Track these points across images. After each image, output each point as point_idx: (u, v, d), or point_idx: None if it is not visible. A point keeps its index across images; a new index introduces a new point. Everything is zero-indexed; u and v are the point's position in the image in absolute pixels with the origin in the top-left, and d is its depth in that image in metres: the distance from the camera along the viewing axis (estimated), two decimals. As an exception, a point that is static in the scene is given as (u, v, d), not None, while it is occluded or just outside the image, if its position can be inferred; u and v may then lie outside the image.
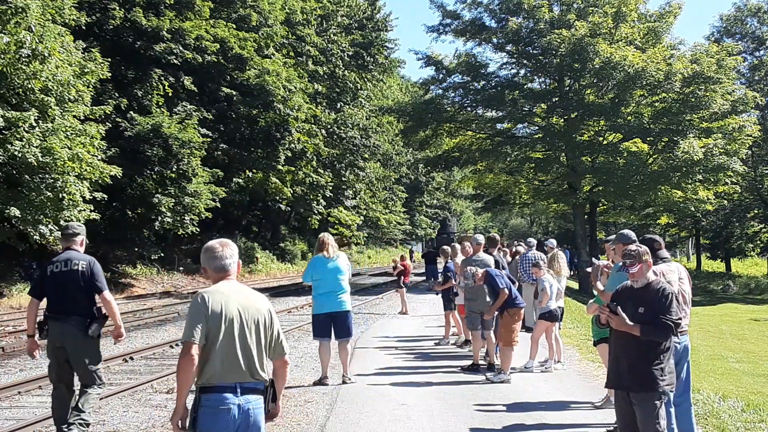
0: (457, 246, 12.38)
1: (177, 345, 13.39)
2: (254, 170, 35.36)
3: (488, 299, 9.66)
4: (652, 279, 5.07)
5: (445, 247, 13.91)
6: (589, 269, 7.55)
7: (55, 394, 6.25)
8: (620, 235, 6.69)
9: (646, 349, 4.91)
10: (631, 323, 4.91)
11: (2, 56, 17.23)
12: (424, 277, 29.96)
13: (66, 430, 6.12)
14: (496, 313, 9.69)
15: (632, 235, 6.54)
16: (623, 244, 6.28)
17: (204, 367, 3.62)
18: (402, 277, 19.54)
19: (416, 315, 18.50)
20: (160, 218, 26.45)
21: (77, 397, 6.25)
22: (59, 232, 19.44)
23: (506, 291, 9.34)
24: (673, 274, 5.84)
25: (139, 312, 20.15)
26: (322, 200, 42.63)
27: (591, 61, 28.02)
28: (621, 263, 5.41)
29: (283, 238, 47.37)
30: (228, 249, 3.91)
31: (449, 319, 12.93)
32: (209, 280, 3.95)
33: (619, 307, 4.99)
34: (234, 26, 31.87)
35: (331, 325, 8.94)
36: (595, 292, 7.63)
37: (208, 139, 29.50)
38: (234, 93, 32.14)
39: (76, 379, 6.36)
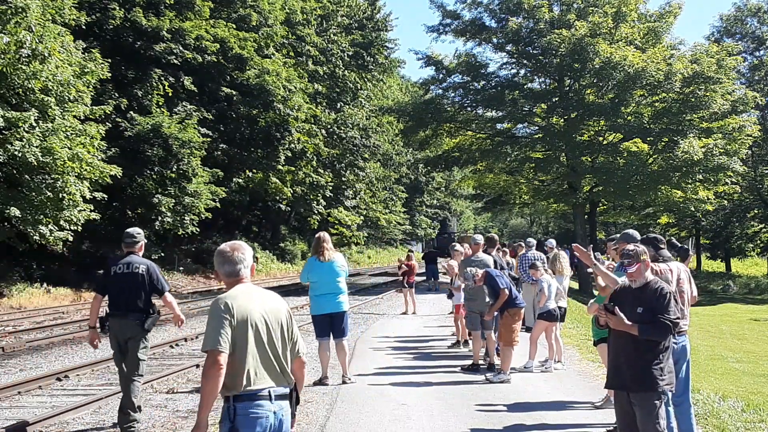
0: (458, 246, 12.35)
1: (177, 345, 13.41)
2: (254, 170, 35.36)
3: (488, 300, 9.66)
4: (651, 279, 5.07)
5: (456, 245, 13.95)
6: (590, 270, 7.54)
7: (121, 375, 7.06)
8: (624, 234, 6.68)
9: (644, 349, 4.91)
10: (630, 323, 4.91)
11: (2, 56, 17.23)
12: (424, 277, 29.92)
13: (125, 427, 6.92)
14: (496, 313, 9.69)
15: (636, 234, 6.53)
16: (627, 243, 6.27)
17: (235, 376, 3.51)
18: (407, 277, 19.54)
19: (416, 315, 18.50)
20: (160, 218, 26.45)
21: (128, 396, 6.91)
22: (57, 233, 19.45)
23: (506, 291, 9.35)
24: (671, 274, 5.83)
25: (139, 312, 20.12)
26: (322, 200, 42.64)
27: (591, 61, 28.02)
28: (620, 263, 5.40)
29: (283, 238, 47.37)
30: (239, 252, 3.82)
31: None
32: (222, 283, 3.89)
33: (616, 307, 4.98)
34: (234, 26, 31.87)
35: (330, 325, 8.96)
36: (596, 292, 7.66)
37: (208, 139, 29.51)
38: (234, 93, 32.14)
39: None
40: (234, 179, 34.16)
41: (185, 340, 13.98)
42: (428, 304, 20.11)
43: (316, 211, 42.79)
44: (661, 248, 5.93)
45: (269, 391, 3.56)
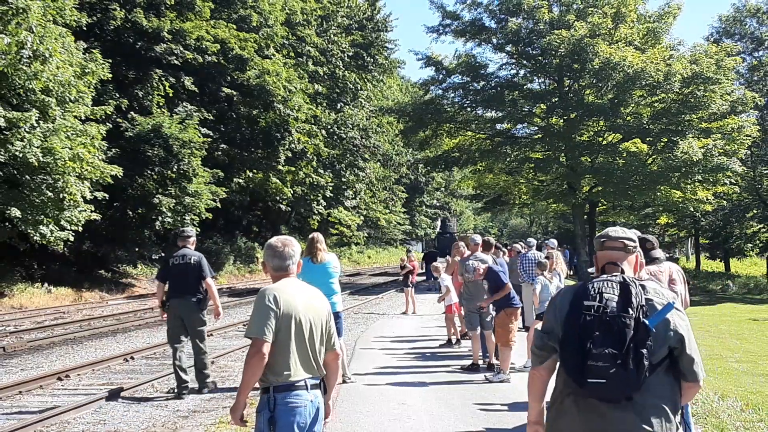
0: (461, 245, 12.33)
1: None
2: (254, 170, 35.35)
3: (486, 297, 9.69)
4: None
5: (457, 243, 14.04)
6: (591, 270, 7.57)
7: (174, 348, 8.74)
8: None
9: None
10: None
11: (3, 57, 17.24)
12: (424, 277, 29.95)
13: (200, 388, 8.90)
14: (493, 314, 9.71)
15: (636, 233, 6.52)
16: None
17: (275, 366, 3.64)
18: (410, 276, 19.56)
19: (416, 315, 18.51)
20: (160, 218, 26.44)
21: (194, 362, 8.87)
22: (58, 233, 19.46)
23: (509, 286, 9.41)
24: (662, 275, 5.82)
25: (139, 312, 20.15)
26: (322, 200, 42.63)
27: (590, 61, 28.03)
28: None
29: (284, 238, 47.47)
30: (290, 248, 3.95)
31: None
32: (268, 276, 4.00)
33: None
34: (234, 27, 31.87)
35: None
36: None
37: (209, 140, 29.51)
38: (234, 93, 32.14)
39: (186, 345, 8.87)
40: (234, 179, 34.15)
41: (186, 339, 13.97)
42: (428, 304, 20.12)
43: (317, 212, 42.78)
44: (650, 249, 5.92)
45: (305, 381, 3.71)
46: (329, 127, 41.57)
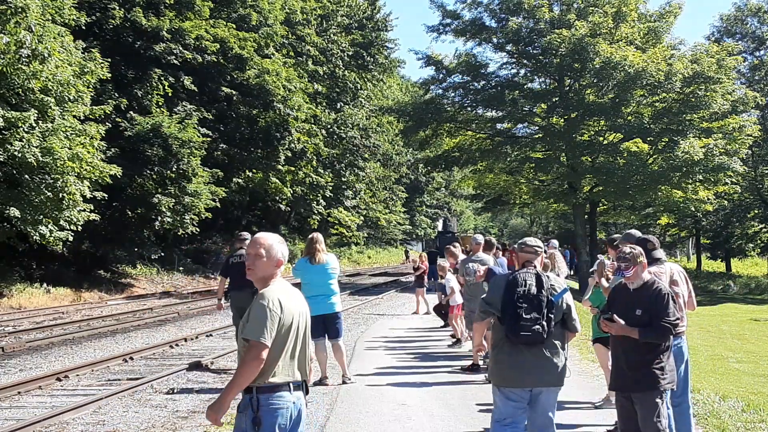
0: (455, 248, 12.38)
1: (177, 345, 13.41)
2: (254, 170, 35.35)
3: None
4: (648, 279, 5.11)
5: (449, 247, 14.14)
6: (594, 268, 7.56)
7: (237, 329, 9.71)
8: (626, 234, 6.69)
9: (645, 350, 4.95)
10: (629, 327, 4.95)
11: (2, 56, 17.24)
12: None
13: None
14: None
15: (637, 234, 6.53)
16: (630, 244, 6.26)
17: (266, 368, 3.64)
18: (423, 278, 19.57)
19: (416, 315, 18.51)
20: (160, 218, 26.45)
21: None
22: (57, 233, 19.46)
23: None
24: (664, 276, 5.83)
25: (138, 312, 20.15)
26: (322, 200, 42.63)
27: (591, 61, 28.01)
28: (617, 267, 5.44)
29: (284, 238, 47.43)
30: (284, 245, 4.03)
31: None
32: (265, 273, 3.84)
33: (614, 314, 5.04)
34: (234, 26, 31.87)
35: (324, 326, 8.94)
36: (588, 293, 7.68)
37: (208, 139, 29.50)
38: (234, 93, 32.14)
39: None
40: (234, 179, 34.15)
41: (185, 340, 13.98)
42: (429, 304, 20.08)
43: (316, 211, 42.79)
44: (651, 250, 5.92)
45: (289, 384, 3.72)
46: (329, 126, 41.58)
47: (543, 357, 4.88)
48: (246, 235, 10.38)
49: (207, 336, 14.73)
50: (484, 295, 5.34)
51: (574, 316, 5.05)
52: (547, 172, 32.12)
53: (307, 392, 3.92)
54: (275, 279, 3.85)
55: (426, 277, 19.82)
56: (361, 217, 54.59)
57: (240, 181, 34.76)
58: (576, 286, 29.23)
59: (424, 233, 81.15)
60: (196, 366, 10.86)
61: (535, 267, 5.05)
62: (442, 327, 14.60)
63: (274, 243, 3.89)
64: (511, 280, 4.97)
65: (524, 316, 4.79)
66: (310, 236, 9.23)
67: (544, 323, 4.80)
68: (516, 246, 5.30)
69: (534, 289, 4.86)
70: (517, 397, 4.95)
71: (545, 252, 13.45)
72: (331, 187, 42.59)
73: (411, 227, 76.37)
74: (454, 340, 12.59)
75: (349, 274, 42.76)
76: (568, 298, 5.01)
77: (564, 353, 5.00)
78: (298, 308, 3.84)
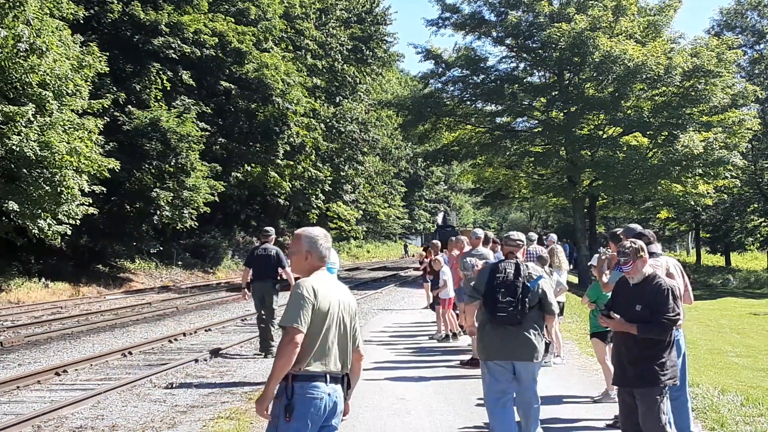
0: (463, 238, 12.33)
1: (176, 340, 13.42)
2: (253, 164, 35.30)
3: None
4: (649, 273, 5.10)
5: (435, 241, 14.48)
6: (593, 262, 7.57)
7: (259, 322, 11.45)
8: (626, 228, 6.70)
9: (645, 345, 4.93)
10: (628, 323, 4.95)
11: (0, 50, 17.19)
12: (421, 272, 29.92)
13: (265, 356, 11.07)
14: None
15: (638, 228, 6.55)
16: (629, 237, 6.27)
17: (301, 356, 3.68)
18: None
19: (415, 309, 18.55)
20: (158, 212, 26.43)
21: (268, 332, 11.22)
22: (56, 227, 19.47)
23: None
24: (659, 269, 5.85)
25: (137, 306, 20.16)
26: (320, 194, 42.56)
27: (591, 54, 27.98)
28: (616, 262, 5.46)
29: (282, 232, 47.35)
30: (328, 241, 4.03)
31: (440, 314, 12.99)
32: (299, 267, 3.97)
33: (612, 311, 5.05)
34: (232, 20, 31.77)
35: None
36: (589, 289, 7.71)
37: (207, 133, 29.46)
38: (232, 87, 32.07)
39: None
40: (233, 173, 34.10)
41: (183, 334, 13.99)
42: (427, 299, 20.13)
43: (315, 206, 42.73)
44: (649, 243, 5.95)
45: (326, 374, 3.75)
46: (328, 120, 41.52)
47: (520, 335, 5.53)
48: (270, 230, 11.75)
49: (206, 331, 14.74)
50: (473, 281, 6.15)
51: (551, 300, 5.67)
52: (547, 166, 32.13)
53: (349, 386, 3.97)
54: (317, 272, 3.92)
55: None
56: (360, 212, 54.52)
57: (239, 175, 34.71)
58: (575, 280, 29.26)
59: (423, 227, 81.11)
60: (195, 361, 10.88)
61: (516, 258, 5.78)
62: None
63: (306, 241, 3.96)
64: (493, 269, 5.73)
65: (501, 300, 5.50)
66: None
67: (519, 306, 5.47)
68: (502, 239, 6.15)
69: (512, 277, 5.56)
70: (502, 370, 5.62)
71: (545, 246, 13.51)
72: (330, 182, 42.53)
73: (410, 221, 76.34)
74: (442, 334, 12.64)
75: (348, 268, 42.80)
76: (543, 284, 5.65)
77: (541, 333, 5.65)
78: (338, 298, 3.89)
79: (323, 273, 3.94)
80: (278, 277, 11.24)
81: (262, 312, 11.25)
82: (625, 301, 5.09)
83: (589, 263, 8.39)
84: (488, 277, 5.67)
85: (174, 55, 28.40)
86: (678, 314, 4.97)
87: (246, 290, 11.64)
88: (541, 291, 5.63)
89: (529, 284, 5.55)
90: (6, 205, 18.15)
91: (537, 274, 5.68)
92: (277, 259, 11.23)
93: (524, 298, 5.50)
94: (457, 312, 12.49)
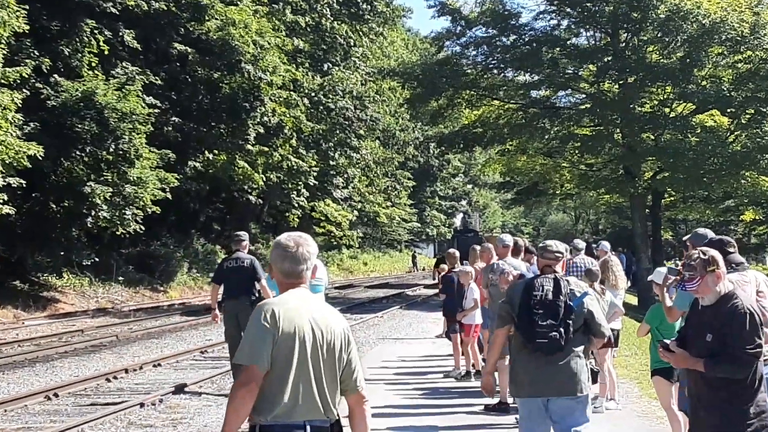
0: (490, 246, 12.28)
1: (115, 378, 13.40)
2: (216, 151, 35.29)
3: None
4: (726, 292, 4.89)
5: (452, 251, 14.38)
6: (655, 277, 7.52)
7: (230, 345, 11.90)
8: (694, 234, 6.68)
9: (721, 387, 4.83)
10: (693, 358, 4.85)
11: None
12: (437, 290, 29.90)
13: None
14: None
15: (708, 234, 6.54)
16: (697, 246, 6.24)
17: (265, 401, 3.69)
18: None
19: (426, 338, 18.53)
20: (93, 213, 26.37)
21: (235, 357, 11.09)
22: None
23: None
24: (748, 286, 5.79)
25: (65, 335, 20.13)
26: (303, 190, 42.57)
27: (654, 9, 27.94)
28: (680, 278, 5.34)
29: (254, 238, 47.40)
30: (304, 248, 4.00)
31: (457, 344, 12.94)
32: (278, 281, 4.07)
33: (673, 342, 5.00)
34: (189, -37, 31.80)
35: None
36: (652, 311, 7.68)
37: (156, 111, 29.43)
38: (189, 51, 32.06)
39: None
40: (190, 163, 34.09)
41: (126, 371, 13.96)
42: (442, 324, 20.11)
43: (297, 204, 42.75)
44: (730, 253, 5.89)
45: (305, 424, 3.74)
46: (313, 94, 41.49)
47: (560, 365, 5.74)
48: (243, 235, 11.88)
49: (155, 366, 14.72)
50: (503, 300, 6.42)
51: (599, 321, 5.93)
52: (597, 153, 32.10)
53: None
54: (292, 290, 3.94)
55: None
56: (355, 212, 54.56)
57: (197, 165, 34.70)
58: (634, 301, 29.21)
59: (437, 233, 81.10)
60: (140, 405, 10.86)
61: (555, 272, 6.01)
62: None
63: (272, 251, 4.06)
64: (528, 286, 5.95)
65: (540, 322, 5.70)
66: None
67: (561, 330, 5.67)
68: (538, 249, 6.51)
69: (551, 295, 5.76)
70: (541, 410, 5.84)
71: (595, 256, 13.46)
72: (315, 173, 42.53)
73: (420, 225, 76.34)
74: (462, 371, 12.61)
75: (339, 285, 42.77)
76: (589, 302, 5.91)
77: (586, 361, 5.96)
78: (317, 323, 3.86)
79: (299, 292, 3.94)
80: (256, 294, 11.45)
81: (237, 336, 11.41)
82: (695, 328, 4.96)
83: (649, 278, 8.33)
84: (522, 295, 5.85)
85: (113, 9, 28.38)
86: (759, 345, 4.79)
87: (217, 312, 11.92)
88: (587, 311, 5.85)
89: (572, 303, 5.75)
90: None
91: (580, 290, 5.93)
92: (253, 271, 11.50)
93: (567, 320, 5.70)
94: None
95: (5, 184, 20.80)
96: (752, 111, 29.61)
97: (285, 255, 3.96)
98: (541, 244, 6.31)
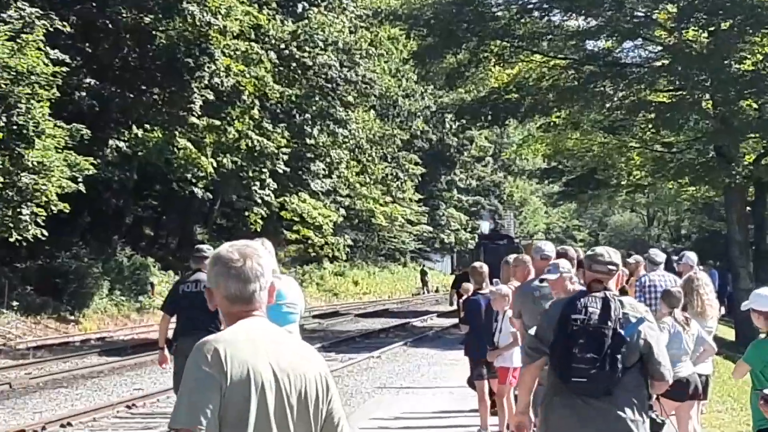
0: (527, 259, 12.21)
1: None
2: (147, 126, 35.29)
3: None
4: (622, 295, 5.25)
5: (477, 264, 14.20)
6: (754, 304, 7.54)
7: None
8: None
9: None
10: None
11: None
12: (456, 319, 29.97)
13: None
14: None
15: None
16: None
17: None
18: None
19: (442, 386, 18.55)
20: (-25, 212, 26.44)
21: None
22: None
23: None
24: None
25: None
26: (270, 180, 42.56)
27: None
28: None
29: (200, 245, 47.40)
30: (254, 261, 3.92)
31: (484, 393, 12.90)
32: (220, 308, 4.01)
33: None
34: None
35: None
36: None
37: (65, 69, 29.44)
38: (110, -16, 32.08)
39: None
40: (111, 142, 34.09)
41: (22, 433, 13.99)
42: (461, 367, 20.12)
43: (260, 199, 42.71)
44: None
45: None
46: (283, 46, 41.53)
47: (610, 413, 5.79)
48: (206, 249, 11.88)
49: (63, 426, 14.71)
50: (534, 328, 6.52)
51: (659, 358, 5.97)
52: (679, 128, 32.10)
53: None
54: (247, 320, 3.87)
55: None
56: (342, 211, 54.51)
57: (121, 145, 34.69)
58: (731, 334, 29.24)
59: (455, 240, 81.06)
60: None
61: (605, 290, 6.07)
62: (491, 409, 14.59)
63: (210, 268, 3.99)
64: (567, 307, 6.05)
65: (579, 355, 5.76)
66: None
67: (607, 366, 5.69)
68: (585, 259, 6.58)
69: (596, 319, 5.82)
70: None
71: (676, 272, 13.40)
72: (286, 157, 42.52)
73: (431, 229, 76.23)
74: None
75: (320, 313, 42.78)
76: (647, 330, 5.96)
77: (644, 410, 5.98)
78: (280, 365, 3.78)
79: (254, 323, 3.87)
80: (220, 328, 11.57)
81: None
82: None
83: (746, 304, 8.36)
84: (560, 320, 5.93)
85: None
86: None
87: (166, 352, 11.82)
88: (644, 342, 5.88)
89: (623, 331, 5.77)
90: None
91: (637, 314, 5.96)
92: None
93: (616, 354, 5.69)
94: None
95: None
96: None
97: (228, 273, 3.87)
98: (589, 252, 6.37)
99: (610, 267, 6.12)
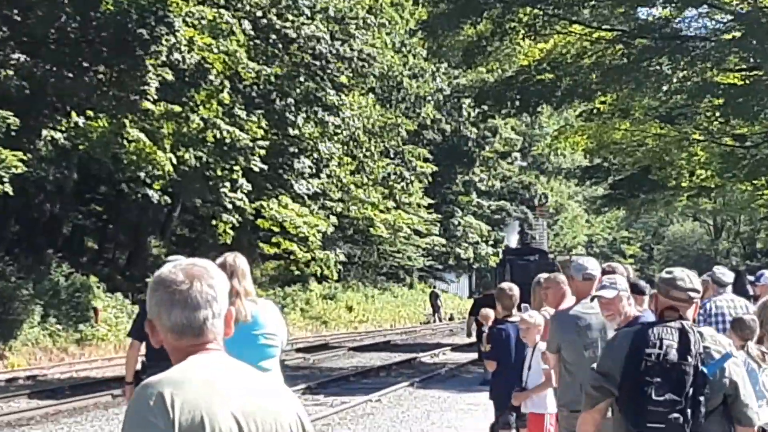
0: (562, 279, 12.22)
1: None
2: (90, 112, 35.41)
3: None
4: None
5: (505, 285, 14.11)
6: None
7: None
8: None
9: None
10: None
11: None
12: (475, 353, 30.06)
13: None
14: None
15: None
16: None
17: None
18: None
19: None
20: None
21: None
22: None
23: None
24: None
25: None
26: (243, 180, 42.68)
27: None
28: None
29: (155, 263, 47.52)
30: (204, 283, 3.82)
31: None
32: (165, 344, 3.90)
33: None
34: None
35: None
36: None
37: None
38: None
39: None
40: (44, 132, 34.22)
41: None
42: (483, 415, 20.20)
43: (230, 204, 42.81)
44: None
45: None
46: (260, 14, 41.68)
47: None
48: (180, 260, 11.59)
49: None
50: (595, 363, 6.55)
51: (746, 400, 6.12)
52: (753, 117, 32.20)
53: None
54: (199, 355, 3.78)
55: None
56: (333, 218, 54.65)
57: (58, 135, 34.81)
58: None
59: (474, 255, 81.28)
60: None
61: (682, 320, 6.16)
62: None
63: (150, 293, 3.88)
64: (638, 339, 6.12)
65: (654, 397, 5.82)
66: (219, 261, 9.28)
67: (688, 410, 5.79)
68: (659, 284, 6.57)
69: (674, 355, 5.90)
70: None
71: (750, 296, 13.40)
72: (264, 152, 42.65)
73: (444, 242, 76.44)
74: None
75: (305, 345, 42.92)
76: (733, 368, 6.11)
77: None
78: (243, 409, 3.71)
79: (208, 359, 3.80)
80: None
81: None
82: None
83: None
84: (630, 354, 6.00)
85: None
86: None
87: (132, 386, 11.94)
88: (729, 381, 5.98)
89: (705, 369, 5.85)
90: None
91: (721, 349, 6.05)
92: None
93: (698, 395, 5.79)
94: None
95: None
96: None
97: (171, 299, 3.78)
98: (664, 274, 6.36)
99: (691, 294, 6.21)
